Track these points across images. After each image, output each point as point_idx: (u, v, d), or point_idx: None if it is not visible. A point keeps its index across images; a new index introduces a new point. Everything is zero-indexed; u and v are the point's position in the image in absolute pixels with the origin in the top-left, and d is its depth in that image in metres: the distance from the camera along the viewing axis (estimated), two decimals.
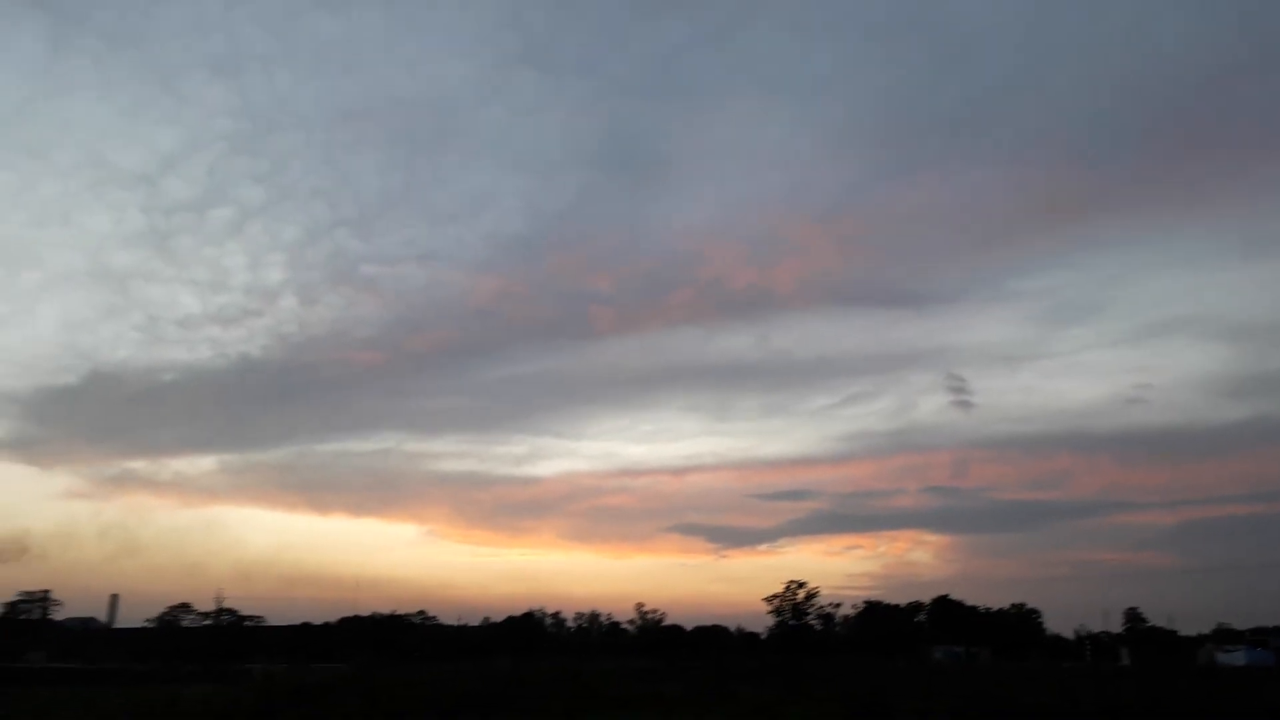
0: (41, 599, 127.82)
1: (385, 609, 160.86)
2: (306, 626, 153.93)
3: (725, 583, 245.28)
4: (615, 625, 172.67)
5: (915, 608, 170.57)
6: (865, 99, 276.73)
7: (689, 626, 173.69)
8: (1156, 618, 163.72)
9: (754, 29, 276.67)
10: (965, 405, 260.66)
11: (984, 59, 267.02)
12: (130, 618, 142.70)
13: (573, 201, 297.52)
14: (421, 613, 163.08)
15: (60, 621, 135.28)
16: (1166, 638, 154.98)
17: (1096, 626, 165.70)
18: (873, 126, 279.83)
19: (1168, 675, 69.06)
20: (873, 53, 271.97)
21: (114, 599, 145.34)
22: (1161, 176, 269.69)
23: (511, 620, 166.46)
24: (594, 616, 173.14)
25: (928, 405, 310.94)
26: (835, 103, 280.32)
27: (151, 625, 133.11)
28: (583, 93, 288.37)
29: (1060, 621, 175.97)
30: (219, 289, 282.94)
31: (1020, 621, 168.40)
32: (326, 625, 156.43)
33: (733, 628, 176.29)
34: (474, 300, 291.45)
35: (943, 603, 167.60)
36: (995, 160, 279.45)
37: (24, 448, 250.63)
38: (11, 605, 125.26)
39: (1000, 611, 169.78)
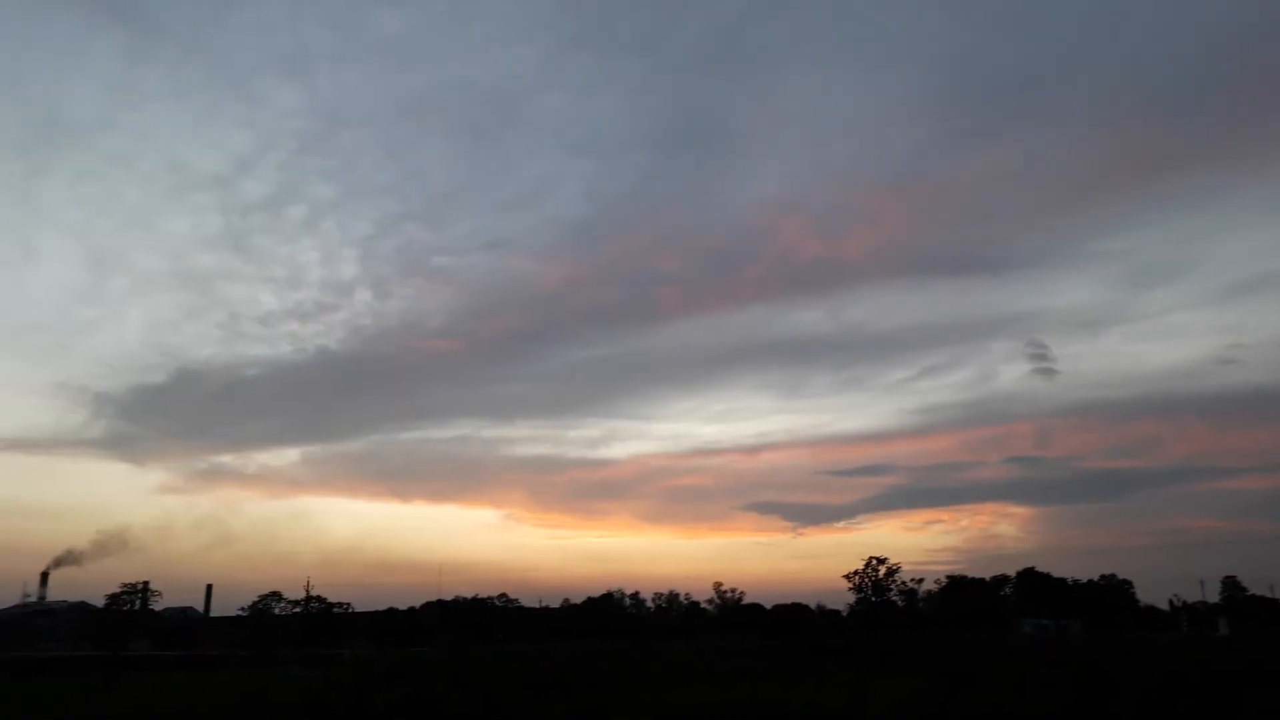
0: (141, 590, 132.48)
1: (468, 593, 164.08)
2: (392, 611, 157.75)
3: (803, 560, 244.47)
4: (694, 605, 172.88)
5: (1000, 581, 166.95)
6: (934, 61, 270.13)
7: (768, 605, 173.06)
8: (1257, 586, 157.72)
9: None
10: (1047, 373, 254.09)
11: (1056, 14, 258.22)
12: (224, 606, 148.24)
13: (636, 182, 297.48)
14: (503, 596, 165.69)
15: (159, 611, 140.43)
16: (1268, 606, 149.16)
17: (1192, 596, 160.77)
18: (943, 89, 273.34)
19: (1270, 644, 66.52)
20: (940, 13, 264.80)
21: (209, 589, 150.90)
22: (1245, 127, 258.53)
23: (591, 601, 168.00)
24: (673, 596, 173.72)
25: (1007, 374, 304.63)
26: (903, 66, 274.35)
27: (244, 613, 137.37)
28: (642, 71, 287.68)
29: (1153, 592, 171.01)
30: (296, 285, 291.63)
31: (1110, 593, 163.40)
32: (411, 610, 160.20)
33: (813, 605, 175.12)
34: (542, 286, 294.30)
35: (1029, 575, 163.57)
36: (1071, 118, 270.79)
37: (119, 446, 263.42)
38: (114, 597, 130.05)
39: (1089, 583, 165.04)
